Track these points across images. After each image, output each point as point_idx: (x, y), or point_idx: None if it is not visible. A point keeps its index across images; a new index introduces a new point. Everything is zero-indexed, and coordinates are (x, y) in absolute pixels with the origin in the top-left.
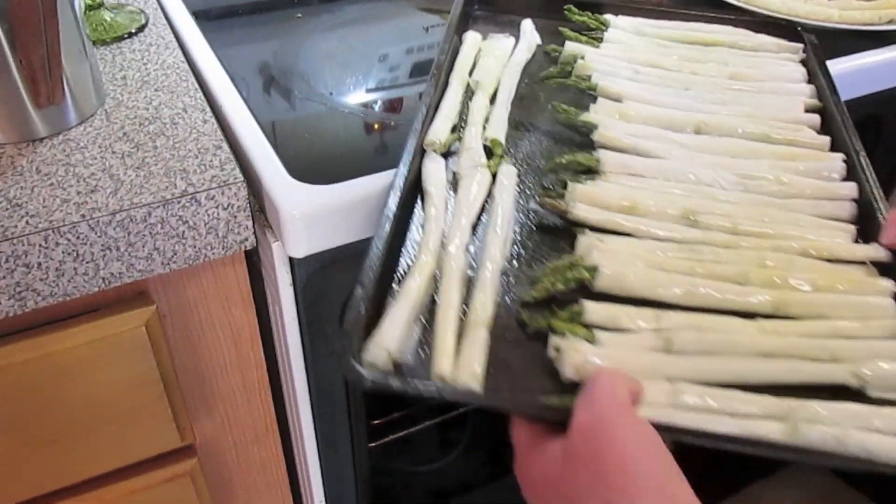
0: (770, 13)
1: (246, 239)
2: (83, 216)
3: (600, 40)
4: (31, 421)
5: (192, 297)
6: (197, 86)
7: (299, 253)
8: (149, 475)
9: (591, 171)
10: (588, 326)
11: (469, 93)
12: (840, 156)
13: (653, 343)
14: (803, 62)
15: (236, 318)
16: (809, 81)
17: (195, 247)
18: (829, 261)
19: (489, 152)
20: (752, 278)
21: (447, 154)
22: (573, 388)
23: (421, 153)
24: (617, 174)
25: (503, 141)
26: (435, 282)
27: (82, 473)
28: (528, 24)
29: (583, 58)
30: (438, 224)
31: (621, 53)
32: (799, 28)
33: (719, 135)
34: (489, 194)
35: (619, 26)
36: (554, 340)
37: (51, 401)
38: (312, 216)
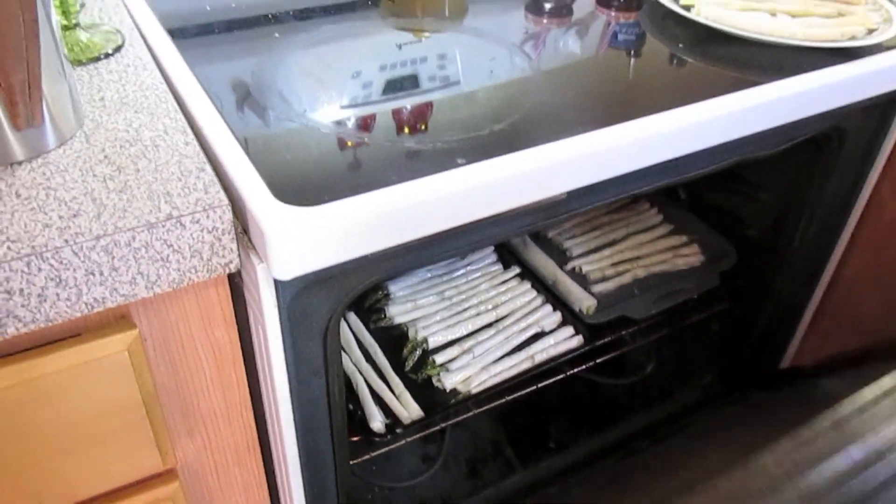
0: (736, 31)
1: (230, 261)
2: (66, 241)
3: None
4: (9, 445)
5: (173, 319)
6: (177, 107)
7: (286, 276)
8: (130, 500)
9: None
10: None
11: None
12: None
13: None
14: None
15: (218, 339)
16: None
17: (179, 270)
18: None
19: None
20: None
21: None
22: None
23: None
24: None
25: None
26: None
27: (63, 499)
28: None
29: None
30: None
31: None
32: None
33: None
34: None
35: None
36: None
37: (29, 426)
38: (299, 239)
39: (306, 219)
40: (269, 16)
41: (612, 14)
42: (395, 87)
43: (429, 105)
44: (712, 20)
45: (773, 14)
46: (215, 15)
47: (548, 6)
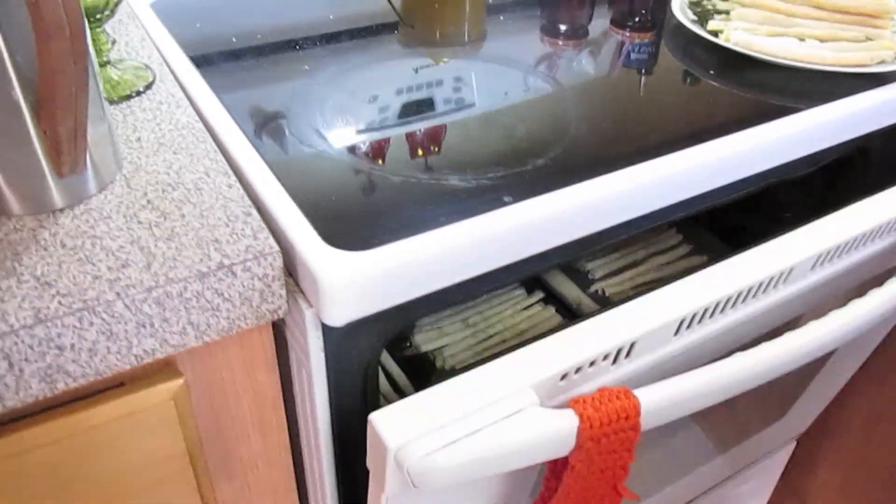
0: (767, 57)
1: (279, 308)
2: (118, 294)
3: None
4: (53, 499)
5: (217, 365)
6: (216, 147)
7: (338, 322)
8: None
9: None
10: None
11: None
12: None
13: None
14: None
15: (260, 383)
16: None
17: (229, 318)
18: None
19: None
20: None
21: None
22: None
23: None
24: None
25: None
26: None
27: None
28: None
29: None
30: None
31: None
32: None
33: None
34: None
35: None
36: None
37: (73, 479)
38: (353, 286)
39: (360, 265)
40: (295, 44)
41: (627, 34)
42: (431, 120)
43: (470, 142)
44: (742, 46)
45: (802, 39)
46: (241, 43)
47: (563, 27)
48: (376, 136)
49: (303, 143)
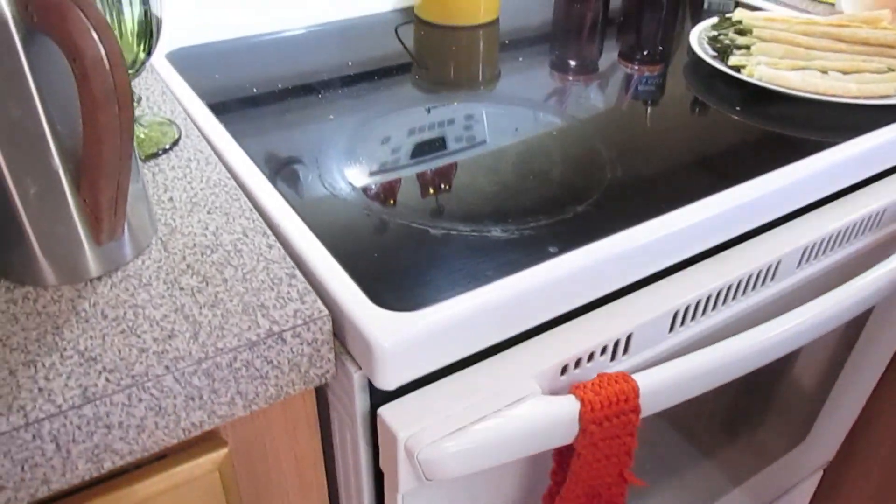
0: (789, 90)
1: (327, 371)
2: (167, 368)
3: None
4: None
5: (259, 430)
6: (250, 205)
7: (391, 385)
8: None
9: None
10: None
11: None
12: None
13: None
14: None
15: (301, 445)
16: None
17: (277, 385)
18: None
19: None
20: None
21: None
22: None
23: None
24: None
25: None
26: None
27: None
28: None
29: None
30: None
31: None
32: None
33: None
34: None
35: None
36: None
37: None
38: (409, 349)
39: (414, 326)
40: (315, 90)
41: (636, 68)
42: (471, 171)
43: (507, 189)
44: (766, 81)
45: (824, 72)
46: (261, 92)
47: (573, 63)
48: (411, 187)
49: (336, 197)
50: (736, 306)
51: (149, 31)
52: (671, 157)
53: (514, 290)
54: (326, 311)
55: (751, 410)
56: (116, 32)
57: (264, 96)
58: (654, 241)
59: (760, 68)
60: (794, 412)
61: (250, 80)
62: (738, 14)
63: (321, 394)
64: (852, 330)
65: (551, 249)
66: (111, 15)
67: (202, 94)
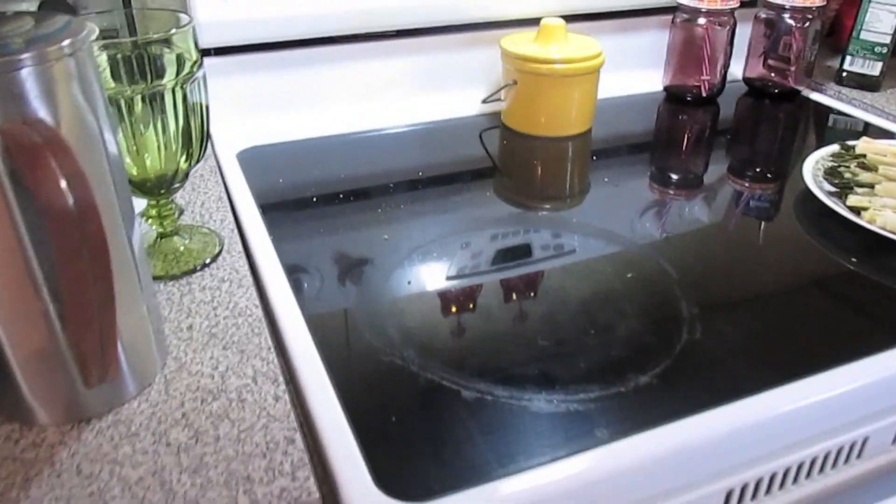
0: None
1: None
2: None
3: None
4: None
5: None
6: (270, 343)
7: None
8: None
9: None
10: None
11: None
12: None
13: None
14: None
15: None
16: None
17: None
18: None
19: None
20: None
21: None
22: None
23: None
24: None
25: None
26: None
27: None
28: None
29: None
30: None
31: None
32: None
33: None
34: None
35: None
36: None
37: None
38: None
39: None
40: (377, 205)
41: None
42: (522, 319)
43: (561, 346)
44: (891, 230)
45: None
46: (321, 197)
47: (673, 178)
48: (448, 335)
49: (367, 339)
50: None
51: (191, 142)
52: (763, 318)
53: (548, 482)
54: (317, 495)
55: None
56: (158, 143)
57: (322, 204)
58: (724, 435)
59: (885, 214)
60: None
61: (315, 183)
62: (863, 146)
63: None
64: None
65: (598, 433)
66: (154, 125)
67: (259, 200)
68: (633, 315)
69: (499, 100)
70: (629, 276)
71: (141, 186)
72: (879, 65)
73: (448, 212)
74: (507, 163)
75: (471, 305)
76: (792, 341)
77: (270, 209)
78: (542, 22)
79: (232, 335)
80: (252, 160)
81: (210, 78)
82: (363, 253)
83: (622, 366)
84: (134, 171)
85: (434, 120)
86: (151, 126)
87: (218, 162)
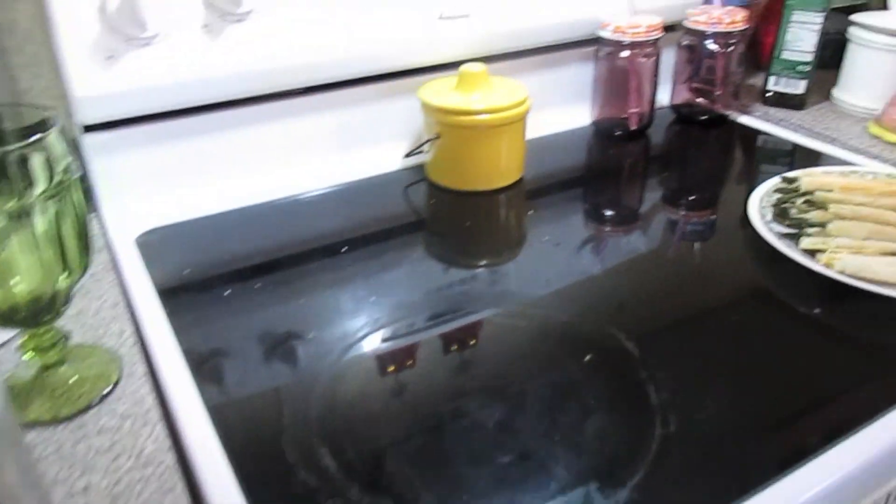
0: (885, 291)
1: None
2: None
3: None
4: None
5: None
6: (188, 500)
7: None
8: None
9: None
10: None
11: None
12: None
13: None
14: None
15: None
16: None
17: None
18: None
19: None
20: None
21: None
22: None
23: None
24: None
25: None
26: None
27: None
28: None
29: None
30: None
31: None
32: None
33: None
34: None
35: None
36: None
37: None
38: None
39: None
40: (293, 277)
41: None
42: (468, 430)
43: (521, 460)
44: (851, 274)
45: None
46: (235, 298)
47: (608, 214)
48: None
49: (308, 486)
50: None
51: (68, 254)
52: (739, 400)
53: None
54: None
55: None
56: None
57: (238, 287)
58: None
59: (844, 259)
60: None
61: (228, 263)
62: (807, 182)
63: None
64: None
65: None
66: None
67: (165, 296)
68: (598, 408)
69: (422, 152)
70: (587, 358)
71: (10, 319)
72: (803, 83)
73: (370, 277)
74: (435, 220)
75: (410, 422)
76: (777, 406)
77: (177, 306)
78: (462, 69)
79: (139, 493)
80: (153, 245)
81: (97, 156)
82: (289, 335)
83: (590, 480)
84: None
85: (354, 179)
86: (15, 243)
87: (113, 255)
